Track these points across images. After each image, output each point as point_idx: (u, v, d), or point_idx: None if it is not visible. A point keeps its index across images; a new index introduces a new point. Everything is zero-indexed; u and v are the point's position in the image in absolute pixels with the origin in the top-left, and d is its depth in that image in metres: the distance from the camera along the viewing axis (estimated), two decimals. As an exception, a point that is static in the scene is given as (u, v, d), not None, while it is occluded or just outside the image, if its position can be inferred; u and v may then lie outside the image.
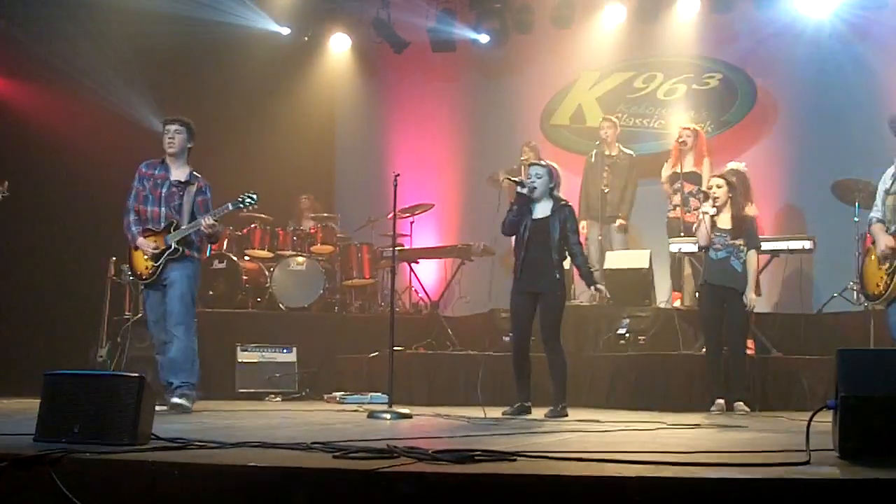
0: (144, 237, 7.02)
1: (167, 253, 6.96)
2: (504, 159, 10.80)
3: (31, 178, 10.29)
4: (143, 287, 7.40)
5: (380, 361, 8.40)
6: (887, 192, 6.33)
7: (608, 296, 7.56)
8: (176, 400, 6.78)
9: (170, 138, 7.14)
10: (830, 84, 10.67)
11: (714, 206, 7.54)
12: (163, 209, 7.04)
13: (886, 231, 6.23)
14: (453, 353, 9.57)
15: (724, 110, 11.23)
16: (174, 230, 6.99)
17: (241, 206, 7.10)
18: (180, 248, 6.97)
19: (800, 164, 10.63)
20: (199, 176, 7.23)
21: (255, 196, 7.09)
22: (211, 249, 10.71)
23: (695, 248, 8.64)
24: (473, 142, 12.28)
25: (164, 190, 7.07)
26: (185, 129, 7.21)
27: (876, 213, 6.39)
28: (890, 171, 6.38)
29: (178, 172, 7.16)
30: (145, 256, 7.02)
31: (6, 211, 9.03)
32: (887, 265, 6.16)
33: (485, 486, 2.89)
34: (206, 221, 6.90)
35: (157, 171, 7.13)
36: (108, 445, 3.62)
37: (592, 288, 7.12)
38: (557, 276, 6.88)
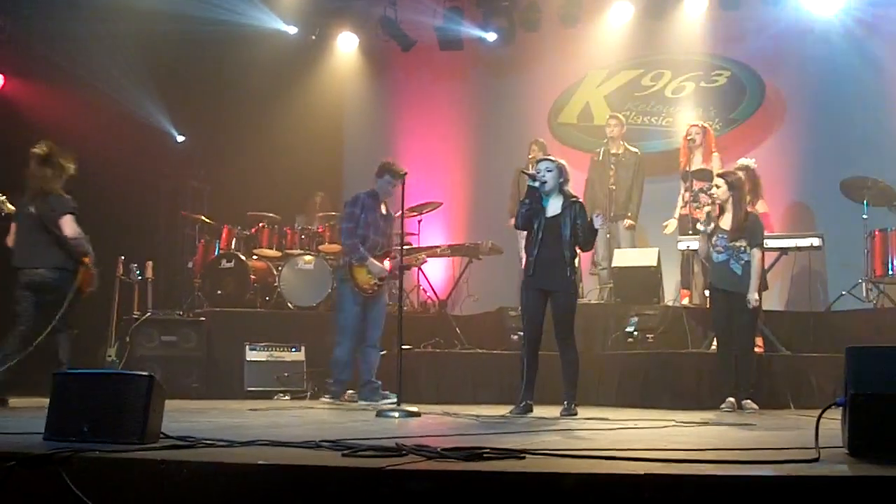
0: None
1: (388, 275, 8.21)
2: (512, 157, 10.80)
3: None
4: (358, 299, 8.19)
5: (388, 360, 8.40)
6: None
7: (606, 220, 7.43)
8: (384, 401, 7.79)
9: (390, 189, 8.15)
10: (839, 81, 10.64)
11: (708, 226, 7.52)
12: (382, 239, 8.27)
13: None
14: (461, 351, 9.58)
15: (732, 108, 11.21)
16: (389, 258, 8.21)
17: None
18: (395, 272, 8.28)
19: (808, 162, 10.60)
20: (392, 212, 8.33)
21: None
22: (219, 248, 10.75)
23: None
24: (481, 140, 12.28)
25: (383, 224, 8.29)
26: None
27: None
28: None
29: (384, 208, 8.33)
30: (376, 277, 8.10)
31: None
32: None
33: (493, 484, 2.89)
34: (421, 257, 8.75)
35: (375, 204, 8.24)
36: (118, 444, 3.62)
37: (593, 218, 6.90)
38: (569, 273, 6.87)
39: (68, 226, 7.24)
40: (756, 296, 7.42)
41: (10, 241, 7.40)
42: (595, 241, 7.16)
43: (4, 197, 7.44)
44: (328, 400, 8.17)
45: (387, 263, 8.24)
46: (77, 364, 7.46)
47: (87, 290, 7.53)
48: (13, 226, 7.38)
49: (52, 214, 7.25)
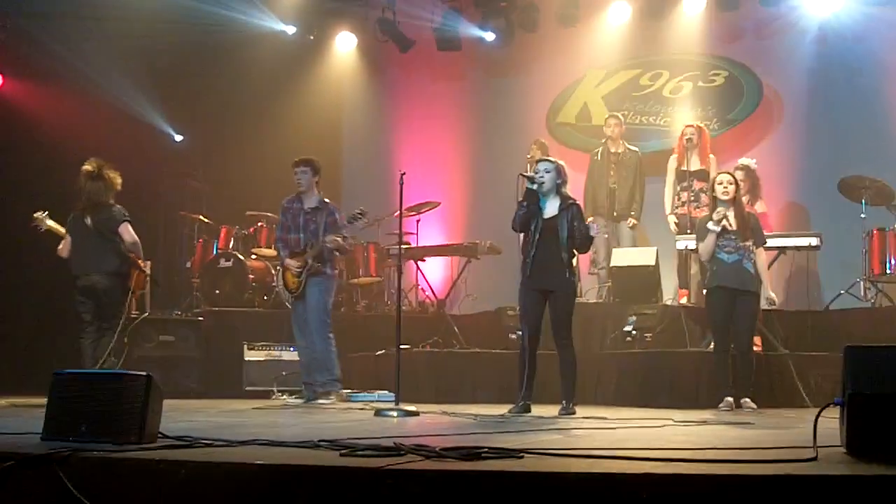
0: (292, 258, 8.23)
1: (305, 268, 8.12)
2: (510, 157, 10.78)
3: (40, 177, 10.34)
4: (291, 300, 8.42)
5: (386, 359, 8.40)
6: None
7: (602, 228, 7.47)
8: (322, 401, 8.04)
9: (297, 179, 8.29)
10: (836, 81, 10.65)
11: (719, 225, 7.43)
12: (301, 235, 8.25)
13: None
14: (460, 351, 9.58)
15: (729, 108, 11.22)
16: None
17: (354, 221, 8.09)
18: (315, 264, 8.12)
19: (806, 161, 10.60)
20: (327, 202, 8.35)
21: (363, 210, 8.12)
22: (218, 248, 10.74)
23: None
24: (479, 140, 12.28)
25: (301, 219, 8.27)
26: (310, 168, 8.31)
27: None
28: None
29: (309, 202, 8.29)
30: (293, 274, 8.21)
31: (13, 210, 9.06)
32: None
33: (491, 484, 2.89)
34: (328, 238, 8.11)
35: (294, 205, 8.35)
36: (116, 444, 3.62)
37: (589, 225, 6.93)
38: (567, 274, 6.88)
39: (127, 233, 7.85)
40: (772, 293, 7.55)
41: (63, 251, 7.94)
42: (590, 246, 7.19)
43: (46, 213, 8.02)
44: (291, 399, 8.52)
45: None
46: (76, 364, 7.48)
47: (139, 290, 8.28)
48: (68, 237, 7.90)
49: (110, 224, 7.83)
